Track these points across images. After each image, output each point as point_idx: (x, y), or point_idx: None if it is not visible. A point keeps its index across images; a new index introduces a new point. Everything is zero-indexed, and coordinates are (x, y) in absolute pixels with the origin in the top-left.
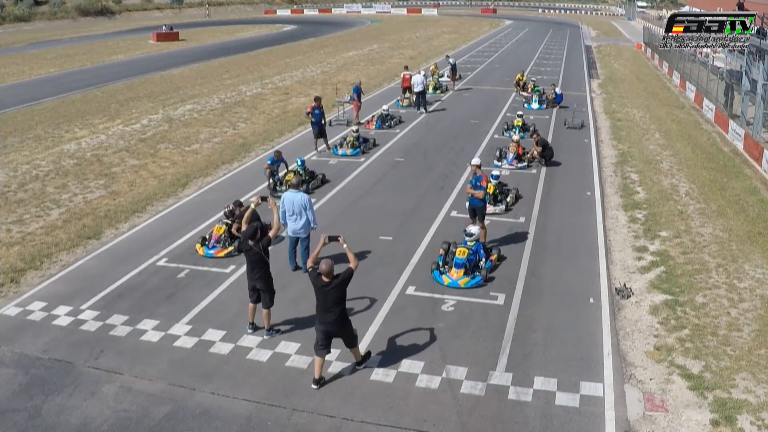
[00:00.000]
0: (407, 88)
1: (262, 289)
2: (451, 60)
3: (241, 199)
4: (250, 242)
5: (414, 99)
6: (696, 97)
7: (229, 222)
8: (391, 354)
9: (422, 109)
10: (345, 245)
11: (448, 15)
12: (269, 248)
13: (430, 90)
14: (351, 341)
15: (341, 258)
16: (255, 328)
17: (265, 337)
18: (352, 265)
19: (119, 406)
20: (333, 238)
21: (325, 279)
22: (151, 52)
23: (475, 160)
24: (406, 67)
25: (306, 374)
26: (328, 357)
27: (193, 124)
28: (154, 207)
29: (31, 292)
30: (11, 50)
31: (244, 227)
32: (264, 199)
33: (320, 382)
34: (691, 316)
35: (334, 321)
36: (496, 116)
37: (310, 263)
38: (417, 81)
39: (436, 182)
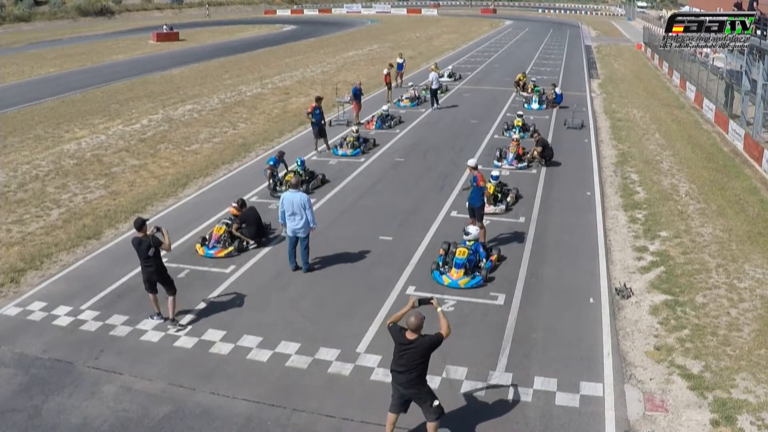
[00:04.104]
0: (389, 84)
1: (158, 281)
2: (399, 60)
3: (244, 197)
4: (155, 231)
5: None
6: (696, 97)
7: (230, 221)
8: (392, 354)
9: (435, 105)
10: (439, 308)
11: (448, 15)
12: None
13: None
14: (430, 413)
15: (340, 255)
16: (162, 317)
17: (170, 329)
18: (443, 331)
19: (119, 406)
20: (424, 302)
21: (409, 336)
22: (151, 52)
23: (470, 161)
24: (391, 65)
25: (306, 374)
26: (328, 357)
27: (193, 124)
28: (154, 207)
29: (31, 292)
30: (11, 50)
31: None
32: (158, 229)
33: None
34: (691, 316)
35: (407, 383)
36: (496, 116)
37: (388, 322)
38: (433, 78)
39: (436, 182)
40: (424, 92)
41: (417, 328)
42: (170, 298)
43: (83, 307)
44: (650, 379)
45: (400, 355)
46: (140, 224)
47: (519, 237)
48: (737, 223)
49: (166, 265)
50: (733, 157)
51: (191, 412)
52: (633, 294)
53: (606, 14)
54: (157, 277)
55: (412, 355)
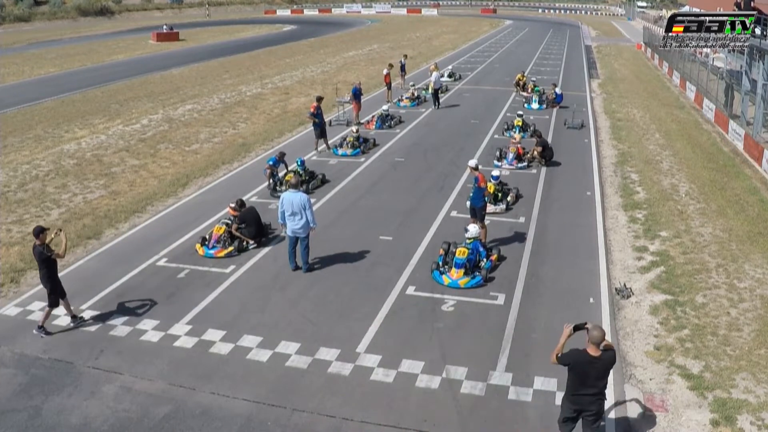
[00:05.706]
0: (389, 83)
1: (44, 286)
2: (402, 60)
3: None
4: (58, 232)
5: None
6: (696, 97)
7: (230, 221)
8: (391, 354)
9: (436, 105)
10: None
11: (448, 15)
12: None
13: (429, 90)
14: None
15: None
16: (75, 320)
17: (71, 324)
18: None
19: (119, 406)
20: (579, 328)
21: (593, 352)
22: (151, 52)
23: (471, 162)
24: (391, 65)
25: (306, 374)
26: (328, 357)
27: (193, 124)
28: (154, 207)
29: (31, 292)
30: (11, 50)
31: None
32: (60, 230)
33: None
34: (691, 316)
35: (593, 403)
36: (496, 116)
37: (553, 356)
38: (435, 78)
39: (436, 182)
40: (424, 92)
41: (601, 340)
42: (47, 309)
43: (83, 307)
44: (650, 379)
45: (586, 374)
46: (37, 232)
47: (519, 237)
48: (737, 223)
49: (166, 264)
50: (733, 157)
51: (191, 412)
52: (633, 294)
53: (606, 14)
54: (43, 282)
55: (599, 370)
